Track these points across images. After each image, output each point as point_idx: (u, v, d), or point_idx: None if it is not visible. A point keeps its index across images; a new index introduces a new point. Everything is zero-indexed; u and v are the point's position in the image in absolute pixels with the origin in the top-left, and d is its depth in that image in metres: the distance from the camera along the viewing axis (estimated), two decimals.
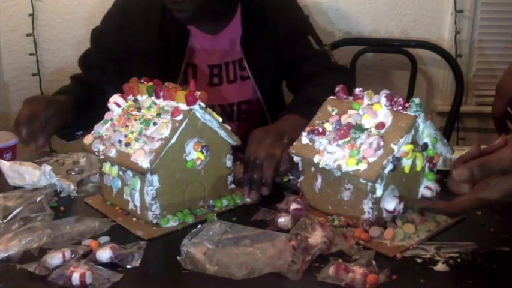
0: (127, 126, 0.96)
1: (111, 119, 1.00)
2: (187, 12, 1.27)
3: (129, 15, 1.40)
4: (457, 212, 0.86)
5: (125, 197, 0.96)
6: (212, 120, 0.96)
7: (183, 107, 0.92)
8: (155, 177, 0.91)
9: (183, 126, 0.91)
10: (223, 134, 0.99)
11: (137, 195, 0.93)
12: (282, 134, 1.07)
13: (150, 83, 1.00)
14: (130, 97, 1.02)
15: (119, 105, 1.01)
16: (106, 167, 0.98)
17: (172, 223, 0.93)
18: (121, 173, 0.96)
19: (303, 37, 1.44)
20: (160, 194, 0.92)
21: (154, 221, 0.93)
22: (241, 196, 1.03)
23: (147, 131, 0.92)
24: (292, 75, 1.46)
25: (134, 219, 0.95)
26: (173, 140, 0.91)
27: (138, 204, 0.94)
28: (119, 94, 1.02)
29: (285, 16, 1.44)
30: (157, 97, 0.97)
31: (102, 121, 1.01)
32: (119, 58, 1.42)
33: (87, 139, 1.00)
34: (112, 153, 0.94)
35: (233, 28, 1.40)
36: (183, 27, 1.37)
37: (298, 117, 1.17)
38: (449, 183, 0.84)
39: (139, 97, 1.01)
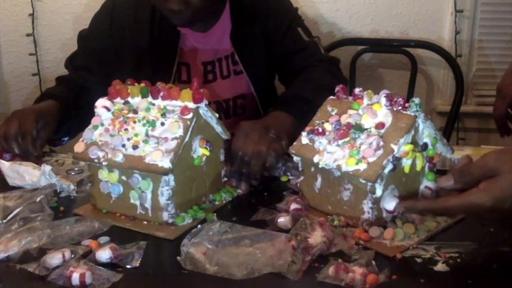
0: (126, 129, 0.93)
1: (102, 124, 0.97)
2: (186, 17, 1.27)
3: (118, 16, 1.41)
4: (441, 210, 0.81)
5: (132, 201, 0.94)
6: (212, 116, 0.98)
7: (190, 105, 0.93)
8: (171, 177, 0.91)
9: (193, 124, 0.92)
10: (218, 129, 1.00)
11: (149, 197, 0.92)
12: (268, 128, 1.09)
13: (142, 84, 0.98)
14: (118, 100, 0.99)
15: (108, 109, 0.97)
16: (103, 173, 0.95)
17: (187, 220, 0.93)
18: (124, 177, 0.93)
19: (293, 30, 1.44)
20: (174, 193, 0.92)
21: (170, 220, 0.92)
22: (233, 188, 1.06)
23: (154, 131, 0.92)
24: (284, 68, 1.47)
25: (145, 222, 0.94)
26: (187, 139, 0.91)
27: (149, 206, 0.93)
28: (106, 97, 0.99)
29: (274, 9, 1.44)
30: (155, 98, 0.96)
31: (90, 127, 0.97)
32: (107, 59, 1.42)
33: (79, 147, 0.96)
34: (119, 158, 0.91)
35: (223, 23, 1.41)
36: (173, 28, 1.37)
37: (284, 114, 1.19)
38: (440, 193, 0.85)
39: (129, 99, 0.98)
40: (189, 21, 1.30)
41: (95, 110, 0.98)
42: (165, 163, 0.88)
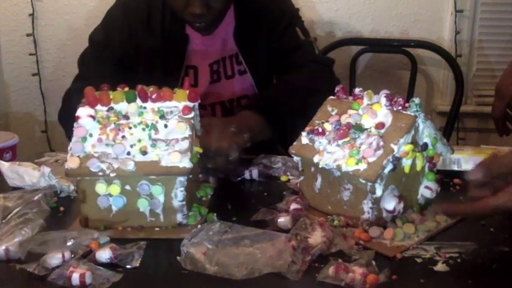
0: (123, 136, 0.90)
1: (90, 135, 0.90)
2: (207, 21, 1.29)
3: (130, 17, 1.39)
4: (479, 214, 0.80)
5: (141, 210, 0.91)
6: (197, 114, 0.99)
7: (188, 104, 0.93)
8: (185, 177, 0.90)
9: (194, 122, 0.94)
10: (198, 126, 1.02)
11: (162, 202, 0.90)
12: (229, 123, 1.12)
13: (126, 89, 0.95)
14: (99, 107, 0.93)
15: (94, 118, 0.91)
16: (101, 187, 0.89)
17: (197, 218, 0.94)
18: (128, 187, 0.90)
19: (291, 28, 1.45)
20: (187, 193, 0.93)
21: (184, 221, 0.92)
22: (207, 183, 1.09)
23: (158, 134, 0.90)
24: (280, 66, 1.47)
25: (156, 228, 0.91)
26: (193, 137, 0.93)
27: (160, 211, 0.91)
28: (85, 105, 0.92)
29: (276, 6, 1.45)
30: (144, 101, 0.93)
31: (77, 139, 0.90)
32: (125, 63, 1.38)
33: (73, 162, 0.88)
34: (130, 166, 0.88)
35: (227, 23, 1.41)
36: (181, 32, 1.37)
37: (250, 112, 1.23)
38: (469, 191, 0.83)
39: (114, 105, 0.93)
40: (209, 25, 1.31)
41: (78, 120, 0.91)
42: (186, 163, 0.88)
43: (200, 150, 0.98)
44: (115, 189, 0.89)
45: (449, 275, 0.78)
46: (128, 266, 0.80)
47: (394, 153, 0.86)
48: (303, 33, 1.47)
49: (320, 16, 2.09)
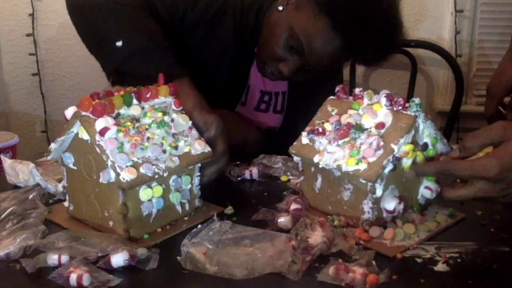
0: (148, 138, 0.89)
1: (122, 143, 0.86)
2: (275, 79, 1.32)
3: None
4: (450, 170, 0.83)
5: (176, 206, 0.93)
6: None
7: (170, 99, 0.96)
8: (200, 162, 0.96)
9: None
10: None
11: (188, 189, 0.95)
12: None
13: (122, 92, 0.93)
14: (106, 116, 0.87)
15: (111, 127, 0.86)
16: (147, 192, 0.88)
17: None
18: (164, 186, 0.90)
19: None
20: None
21: (200, 204, 0.98)
22: None
23: (172, 129, 0.93)
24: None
25: (186, 218, 0.95)
26: None
27: (186, 201, 0.95)
28: (94, 117, 0.85)
29: (332, 77, 1.43)
30: (145, 100, 0.93)
31: (114, 152, 0.84)
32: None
33: (131, 173, 0.83)
34: (176, 162, 0.89)
35: None
36: (250, 50, 1.36)
37: None
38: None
39: (121, 111, 0.89)
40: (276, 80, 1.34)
41: (104, 136, 0.84)
42: (208, 148, 0.95)
43: None
44: (158, 190, 0.89)
45: (449, 275, 0.78)
46: (146, 269, 0.79)
47: (394, 153, 0.86)
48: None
49: None
